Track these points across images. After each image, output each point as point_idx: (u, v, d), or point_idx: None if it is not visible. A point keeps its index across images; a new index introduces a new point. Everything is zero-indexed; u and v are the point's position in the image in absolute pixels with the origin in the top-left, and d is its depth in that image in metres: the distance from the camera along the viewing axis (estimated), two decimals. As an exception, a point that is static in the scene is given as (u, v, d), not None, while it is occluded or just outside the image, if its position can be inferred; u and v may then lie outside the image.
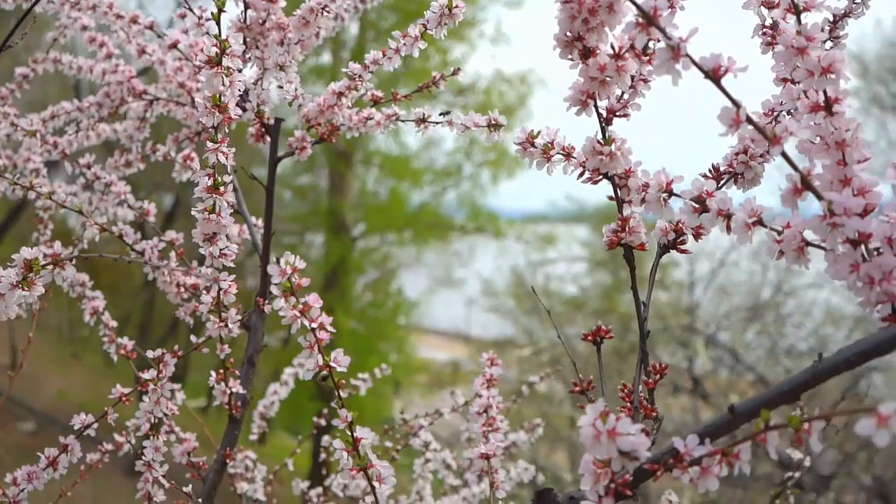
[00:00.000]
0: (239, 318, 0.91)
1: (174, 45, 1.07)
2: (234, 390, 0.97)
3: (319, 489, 1.37)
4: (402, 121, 0.96)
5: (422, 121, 0.94)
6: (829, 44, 0.67)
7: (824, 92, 0.53)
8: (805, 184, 0.51)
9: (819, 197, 0.51)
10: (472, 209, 11.10)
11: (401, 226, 11.18)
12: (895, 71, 9.09)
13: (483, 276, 11.30)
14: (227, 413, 1.00)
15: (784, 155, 0.51)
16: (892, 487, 5.74)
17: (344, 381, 0.67)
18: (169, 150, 1.18)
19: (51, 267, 0.67)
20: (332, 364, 0.63)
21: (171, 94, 1.17)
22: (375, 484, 0.64)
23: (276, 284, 0.61)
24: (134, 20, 1.11)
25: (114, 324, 1.10)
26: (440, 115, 0.92)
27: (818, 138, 0.54)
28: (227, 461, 0.99)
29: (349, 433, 0.64)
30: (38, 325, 1.21)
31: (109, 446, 1.06)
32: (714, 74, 0.51)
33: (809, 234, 0.55)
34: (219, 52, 0.71)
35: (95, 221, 0.97)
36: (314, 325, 0.62)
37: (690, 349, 5.71)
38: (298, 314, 0.61)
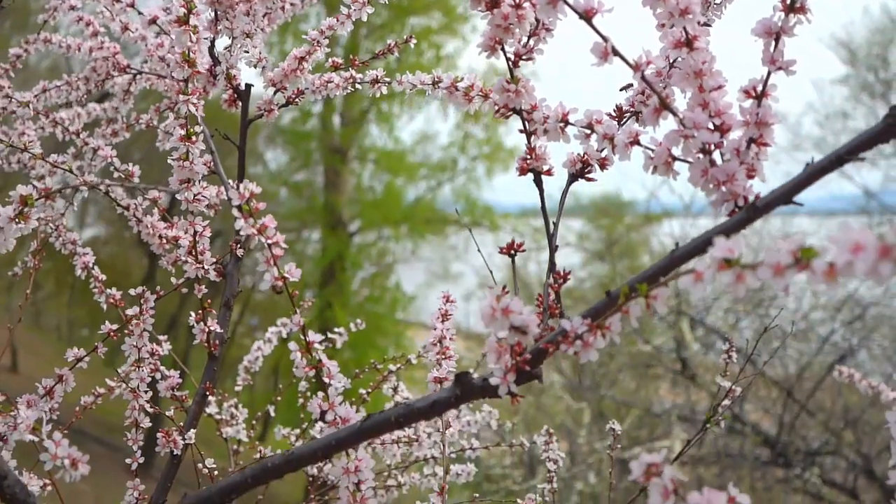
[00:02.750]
0: (214, 260, 1.01)
1: (153, 21, 1.18)
2: (212, 329, 1.08)
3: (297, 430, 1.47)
4: (359, 83, 1.06)
5: (375, 81, 1.04)
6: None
7: (684, 30, 0.64)
8: (663, 105, 0.62)
9: (675, 114, 0.62)
10: (468, 203, 11.19)
11: (397, 221, 11.27)
12: (884, 58, 9.20)
13: (479, 271, 11.40)
14: (207, 351, 1.10)
15: (644, 79, 0.62)
16: (878, 463, 5.86)
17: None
18: (151, 118, 1.29)
19: (43, 200, 0.78)
20: (286, 275, 0.73)
21: (153, 68, 1.28)
22: (326, 380, 0.75)
23: (235, 207, 0.71)
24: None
25: (103, 277, 1.21)
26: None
27: (681, 70, 0.65)
28: (207, 394, 1.10)
29: (303, 337, 0.75)
30: (37, 326, 1.31)
31: (101, 389, 1.16)
32: (587, 15, 0.61)
33: (676, 151, 0.66)
34: (186, 11, 0.81)
35: (85, 180, 1.07)
36: (270, 241, 0.72)
37: (676, 330, 5.82)
38: (256, 232, 0.72)
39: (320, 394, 0.75)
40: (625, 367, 7.09)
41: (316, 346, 0.76)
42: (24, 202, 0.77)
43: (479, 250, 1.04)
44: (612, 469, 1.30)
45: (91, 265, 1.22)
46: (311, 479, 1.45)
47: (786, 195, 0.57)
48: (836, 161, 0.56)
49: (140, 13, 1.20)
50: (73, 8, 1.31)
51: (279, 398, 1.57)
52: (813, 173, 0.57)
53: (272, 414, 1.55)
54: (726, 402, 1.16)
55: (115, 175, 1.20)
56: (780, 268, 0.44)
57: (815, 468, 5.51)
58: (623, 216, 11.11)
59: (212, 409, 1.40)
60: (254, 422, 1.47)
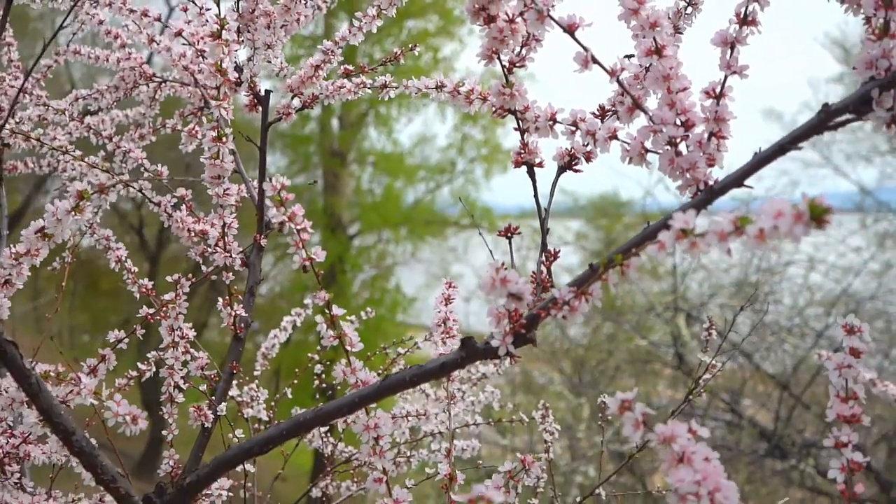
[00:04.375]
0: (241, 249, 1.12)
1: (179, 34, 1.29)
2: (238, 314, 1.18)
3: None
4: (369, 88, 1.17)
5: (384, 86, 1.15)
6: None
7: (654, 40, 0.75)
8: (636, 104, 0.73)
9: (645, 112, 0.73)
10: (466, 204, 11.29)
11: (396, 223, 11.37)
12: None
13: (478, 272, 11.50)
14: (233, 333, 1.21)
15: (619, 83, 0.73)
16: (872, 454, 5.96)
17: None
18: (176, 123, 1.40)
19: (97, 194, 0.88)
20: (312, 256, 0.84)
21: (177, 77, 1.39)
22: (348, 347, 0.86)
23: (268, 197, 0.82)
24: (144, 14, 1.33)
25: (135, 269, 1.32)
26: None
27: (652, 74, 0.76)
28: (234, 372, 1.20)
29: (327, 311, 0.86)
30: (39, 332, 1.42)
31: (134, 372, 1.27)
32: (570, 29, 0.72)
33: (648, 144, 0.77)
34: (219, 27, 0.92)
35: (120, 178, 1.18)
36: (299, 227, 0.83)
37: (672, 326, 5.93)
38: (287, 219, 0.83)
39: (343, 360, 0.86)
40: (623, 363, 7.20)
41: (339, 317, 0.87)
42: (80, 196, 0.87)
43: (489, 249, 1.13)
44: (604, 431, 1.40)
45: (124, 258, 1.33)
46: (326, 457, 1.56)
47: (737, 180, 0.68)
48: (779, 150, 0.67)
49: (166, 26, 1.31)
50: (101, 22, 1.42)
51: (295, 381, 1.68)
52: (760, 160, 0.68)
53: (289, 396, 1.66)
54: (707, 376, 1.27)
55: (145, 175, 1.31)
56: (723, 234, 0.55)
57: (811, 460, 5.62)
58: (621, 216, 11.21)
59: (233, 391, 1.50)
60: (273, 403, 1.58)
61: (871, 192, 8.50)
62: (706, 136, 0.74)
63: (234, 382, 1.55)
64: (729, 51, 0.73)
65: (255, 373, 1.61)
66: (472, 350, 0.78)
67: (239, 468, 1.50)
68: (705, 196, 0.69)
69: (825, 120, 0.66)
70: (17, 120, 1.43)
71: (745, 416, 6.44)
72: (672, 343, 6.08)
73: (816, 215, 0.49)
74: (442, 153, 11.95)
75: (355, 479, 1.56)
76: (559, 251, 0.84)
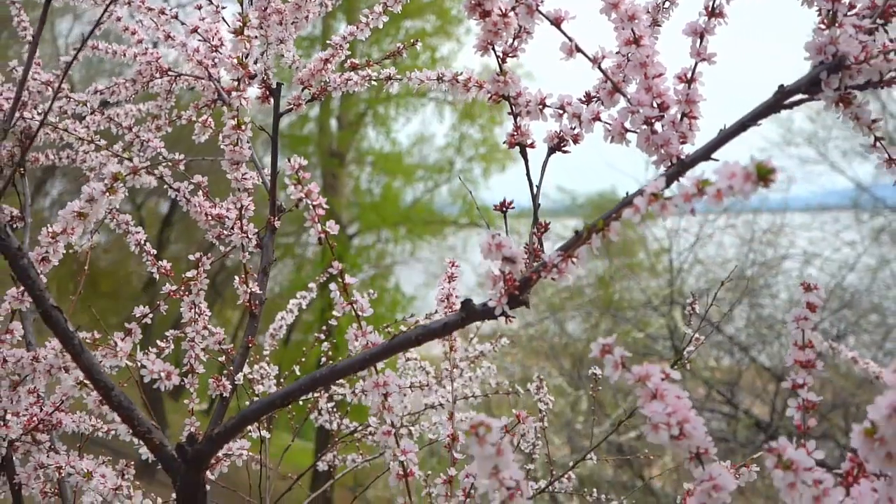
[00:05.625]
0: (256, 230, 1.21)
1: (195, 30, 1.38)
2: (253, 291, 1.27)
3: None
4: (374, 80, 1.26)
5: (388, 78, 1.24)
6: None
7: (632, 31, 0.84)
8: (615, 88, 0.82)
9: (624, 96, 0.82)
10: (465, 203, 11.38)
11: (395, 222, 11.46)
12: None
13: (477, 270, 11.57)
14: (249, 310, 1.30)
15: (601, 69, 0.82)
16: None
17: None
18: (191, 115, 1.48)
19: (132, 175, 0.97)
20: (327, 230, 0.93)
21: (192, 71, 1.47)
22: (360, 313, 0.94)
23: (287, 176, 0.91)
24: (161, 12, 1.42)
25: (154, 251, 1.40)
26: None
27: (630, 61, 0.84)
28: (249, 346, 1.29)
29: (341, 279, 0.95)
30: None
31: (162, 343, 1.35)
32: (557, 22, 0.81)
33: (627, 124, 0.85)
34: (242, 24, 1.01)
35: (138, 165, 1.26)
36: (314, 203, 0.92)
37: (668, 319, 6.03)
38: (304, 196, 0.92)
39: (354, 325, 0.95)
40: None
41: (350, 286, 0.95)
42: (115, 178, 0.96)
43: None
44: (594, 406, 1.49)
45: (143, 242, 1.42)
46: (333, 433, 1.65)
47: (704, 154, 0.77)
48: (740, 127, 0.76)
49: (183, 23, 1.40)
50: (119, 19, 1.51)
51: (302, 359, 1.77)
52: (725, 136, 0.76)
53: (298, 374, 1.75)
54: (690, 348, 1.35)
55: (163, 164, 1.40)
56: (687, 195, 0.64)
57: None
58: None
59: (244, 370, 1.59)
60: (282, 379, 1.66)
61: (867, 188, 8.60)
62: (679, 116, 0.82)
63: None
64: (699, 40, 0.82)
65: (265, 352, 1.70)
66: (472, 311, 0.87)
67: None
68: (677, 168, 0.78)
69: (781, 99, 0.75)
70: (39, 112, 1.52)
71: (741, 409, 6.55)
72: (669, 336, 6.18)
73: (763, 175, 0.58)
74: (440, 152, 12.04)
75: (360, 452, 1.65)
76: (549, 222, 0.92)
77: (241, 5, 1.02)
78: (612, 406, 6.36)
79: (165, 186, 1.35)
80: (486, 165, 11.90)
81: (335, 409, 1.72)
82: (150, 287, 8.76)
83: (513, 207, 0.96)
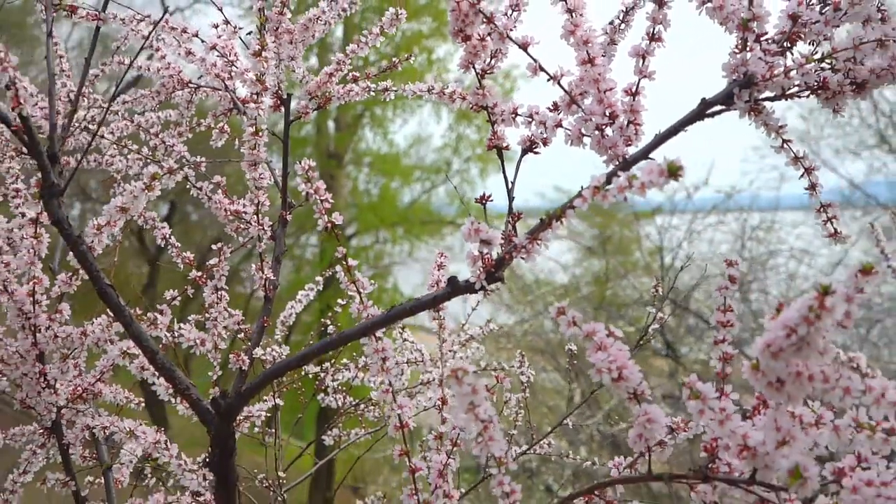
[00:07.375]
0: (271, 223, 1.38)
1: (213, 47, 1.55)
2: (268, 277, 1.45)
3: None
4: (374, 91, 1.44)
5: (386, 89, 1.42)
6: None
7: (587, 53, 1.01)
8: (572, 100, 1.00)
9: (579, 107, 0.99)
10: (462, 203, 11.52)
11: (393, 223, 11.62)
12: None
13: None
14: (264, 294, 1.47)
15: (560, 85, 0.99)
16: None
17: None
18: (210, 122, 1.66)
19: (168, 175, 1.15)
20: (333, 220, 1.11)
21: (210, 83, 1.65)
22: (361, 290, 1.12)
23: (299, 175, 1.08)
24: (184, 31, 1.59)
25: (178, 244, 1.58)
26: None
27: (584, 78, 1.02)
28: (265, 326, 1.47)
29: (345, 262, 1.12)
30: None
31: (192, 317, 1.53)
32: (523, 46, 0.99)
33: (583, 130, 1.03)
34: (260, 48, 1.19)
35: (173, 166, 1.44)
36: (322, 198, 1.10)
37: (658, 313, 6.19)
38: (313, 191, 1.09)
39: (357, 299, 1.12)
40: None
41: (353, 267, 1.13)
42: (153, 177, 1.14)
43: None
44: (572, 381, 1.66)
45: (168, 236, 1.59)
46: (337, 408, 1.82)
47: (643, 154, 0.95)
48: (672, 132, 0.94)
49: (203, 41, 1.57)
50: (145, 38, 1.68)
51: (312, 332, 1.94)
52: (658, 140, 0.94)
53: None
54: (655, 326, 1.53)
55: (188, 166, 1.57)
56: (621, 188, 0.82)
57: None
58: (614, 213, 11.48)
59: (257, 352, 1.76)
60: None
61: (859, 186, 8.78)
62: (625, 123, 1.00)
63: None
64: (641, 60, 1.00)
65: (276, 337, 1.87)
66: (457, 286, 1.04)
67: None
68: (621, 165, 0.95)
69: (703, 109, 0.93)
70: (84, 122, 1.69)
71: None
72: (660, 330, 6.36)
73: (672, 171, 0.76)
74: (437, 153, 12.20)
75: (363, 426, 1.82)
76: (522, 213, 1.10)
77: (260, 31, 1.20)
78: (604, 395, 6.54)
79: (188, 186, 1.53)
80: (483, 166, 12.05)
81: (340, 389, 1.89)
82: (151, 287, 8.94)
83: (492, 200, 1.14)
